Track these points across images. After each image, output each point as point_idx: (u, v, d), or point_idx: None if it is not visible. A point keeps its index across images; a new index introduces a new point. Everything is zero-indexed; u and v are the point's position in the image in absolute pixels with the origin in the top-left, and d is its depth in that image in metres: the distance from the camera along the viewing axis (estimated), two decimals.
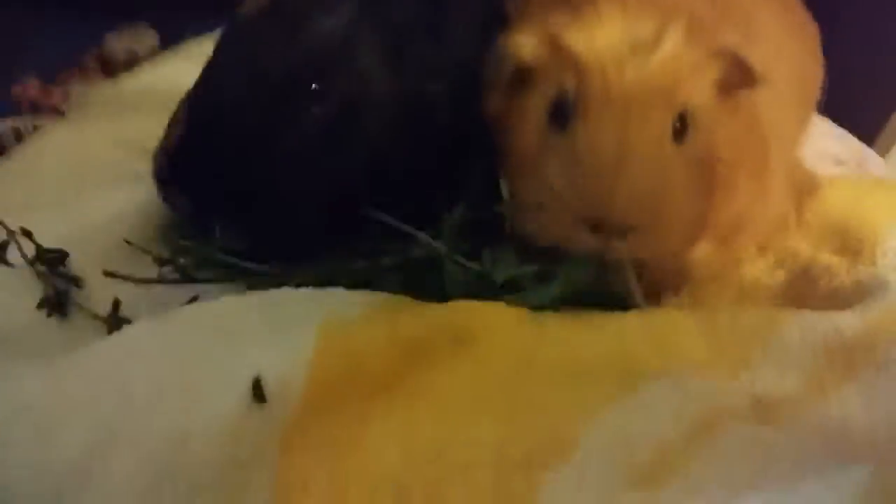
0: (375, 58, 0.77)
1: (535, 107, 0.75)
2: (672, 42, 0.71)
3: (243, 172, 0.74)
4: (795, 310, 0.70)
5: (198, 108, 0.76)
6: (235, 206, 0.75)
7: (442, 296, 0.74)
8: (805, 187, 0.86)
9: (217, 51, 0.79)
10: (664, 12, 0.72)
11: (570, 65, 0.72)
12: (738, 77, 0.74)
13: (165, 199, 0.79)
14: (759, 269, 0.79)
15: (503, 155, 0.78)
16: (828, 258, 0.78)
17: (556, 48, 0.73)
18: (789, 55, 0.91)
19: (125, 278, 0.78)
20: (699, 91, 0.73)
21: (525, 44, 0.75)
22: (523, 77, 0.76)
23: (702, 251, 0.76)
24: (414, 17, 0.79)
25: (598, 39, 0.71)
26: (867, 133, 1.10)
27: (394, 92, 0.77)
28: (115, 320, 0.75)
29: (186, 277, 0.79)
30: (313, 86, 0.75)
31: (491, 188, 0.76)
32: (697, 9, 0.75)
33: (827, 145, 1.03)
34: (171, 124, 0.79)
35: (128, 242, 0.81)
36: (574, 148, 0.70)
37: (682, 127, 0.72)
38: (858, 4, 1.16)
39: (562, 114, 0.72)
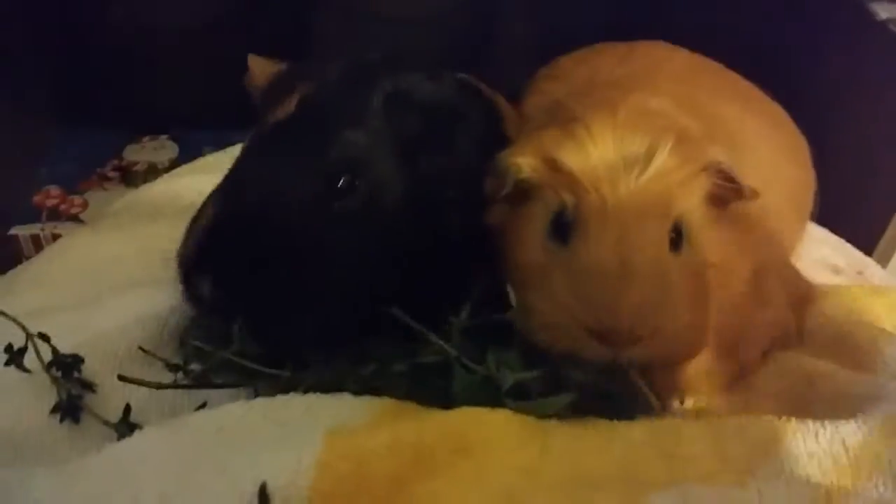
0: (394, 163, 0.82)
1: (536, 221, 0.78)
2: (663, 158, 0.74)
3: (269, 261, 0.77)
4: (800, 420, 0.70)
5: (228, 196, 0.80)
6: (258, 297, 0.77)
7: (448, 400, 0.75)
8: (804, 296, 0.87)
9: (247, 149, 0.84)
10: (654, 130, 0.76)
11: (566, 182, 0.75)
12: (728, 190, 0.77)
13: (188, 290, 0.80)
14: (761, 377, 0.80)
15: (508, 264, 0.80)
16: (829, 367, 0.79)
17: (553, 166, 0.76)
18: (778, 168, 0.95)
19: (138, 383, 0.79)
20: (691, 203, 0.76)
21: (524, 163, 0.78)
22: (523, 192, 0.79)
23: (706, 360, 0.77)
24: (426, 131, 0.84)
25: (592, 157, 0.75)
26: (866, 242, 1.12)
27: (410, 195, 0.82)
28: (125, 427, 0.76)
29: (198, 382, 0.79)
30: (340, 181, 0.79)
31: (498, 294, 0.78)
32: (685, 126, 0.79)
33: (825, 254, 1.05)
34: (198, 216, 0.82)
35: (143, 350, 0.83)
36: (577, 263, 0.73)
37: (677, 237, 0.75)
38: (853, 111, 1.20)
39: (562, 229, 0.75)
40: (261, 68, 0.94)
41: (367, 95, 0.84)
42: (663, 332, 0.71)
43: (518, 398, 0.74)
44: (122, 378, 0.79)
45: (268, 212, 0.78)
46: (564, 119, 0.80)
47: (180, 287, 0.80)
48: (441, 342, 0.77)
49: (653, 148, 0.75)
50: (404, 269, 0.80)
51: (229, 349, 0.77)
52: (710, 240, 0.77)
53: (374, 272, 0.80)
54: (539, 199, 0.78)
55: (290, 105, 0.82)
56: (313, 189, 0.79)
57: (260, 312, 0.77)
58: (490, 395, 0.74)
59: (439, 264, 0.81)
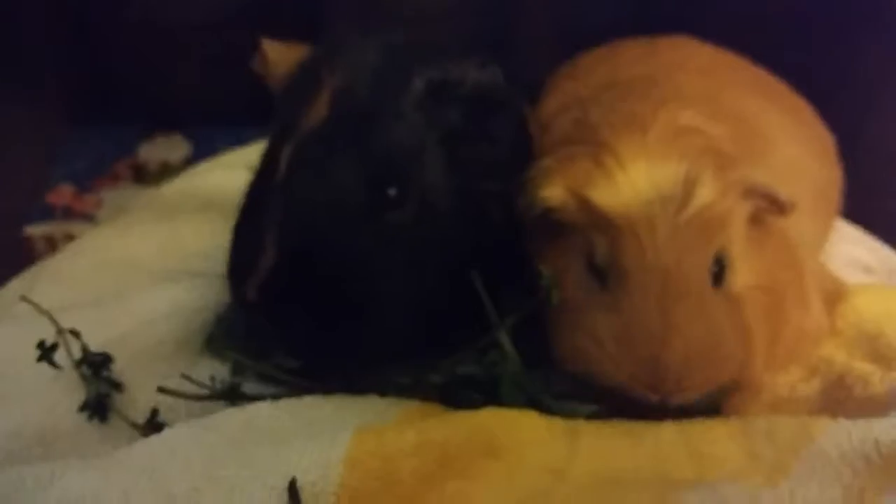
0: (440, 161, 0.78)
1: (570, 254, 0.75)
2: (702, 193, 0.70)
3: (334, 295, 0.74)
4: (831, 419, 0.70)
5: (287, 233, 0.74)
6: (323, 328, 0.74)
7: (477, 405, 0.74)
8: (833, 295, 0.87)
9: (290, 172, 0.77)
10: (689, 153, 0.72)
11: (599, 223, 0.71)
12: (768, 208, 0.75)
13: (249, 320, 0.78)
14: (793, 378, 0.79)
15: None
16: (861, 366, 0.78)
17: (584, 204, 0.73)
18: (807, 167, 0.94)
19: (176, 394, 0.78)
20: (733, 232, 0.73)
21: (552, 197, 0.75)
22: (554, 222, 0.76)
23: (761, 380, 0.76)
24: (465, 122, 0.80)
25: (625, 193, 0.70)
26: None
27: (456, 191, 0.78)
28: (151, 429, 0.75)
29: (233, 394, 0.79)
30: (390, 192, 0.75)
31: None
32: (721, 144, 0.76)
33: (857, 254, 1.04)
34: (248, 247, 0.77)
35: (186, 377, 0.79)
36: (618, 312, 0.70)
37: (719, 270, 0.72)
38: (882, 107, 1.19)
39: (599, 270, 0.72)
40: (279, 54, 0.89)
41: (405, 86, 0.78)
42: (711, 377, 0.70)
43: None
44: (161, 390, 0.78)
45: (323, 245, 0.74)
46: (592, 141, 0.76)
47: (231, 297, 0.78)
48: (513, 349, 0.75)
49: (691, 179, 0.70)
50: (455, 273, 0.76)
51: (269, 362, 0.77)
52: (753, 262, 0.74)
53: (428, 282, 0.76)
54: (571, 237, 0.75)
55: (321, 105, 0.77)
56: (364, 205, 0.74)
57: (318, 339, 0.74)
58: (532, 395, 0.74)
59: (486, 262, 0.77)
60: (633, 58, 1.02)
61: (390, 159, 0.76)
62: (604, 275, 0.72)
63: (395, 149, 0.76)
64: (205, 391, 0.79)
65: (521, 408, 0.73)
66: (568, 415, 0.73)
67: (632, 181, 0.71)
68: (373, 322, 0.75)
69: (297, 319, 0.73)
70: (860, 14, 1.25)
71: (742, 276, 0.73)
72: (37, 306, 0.84)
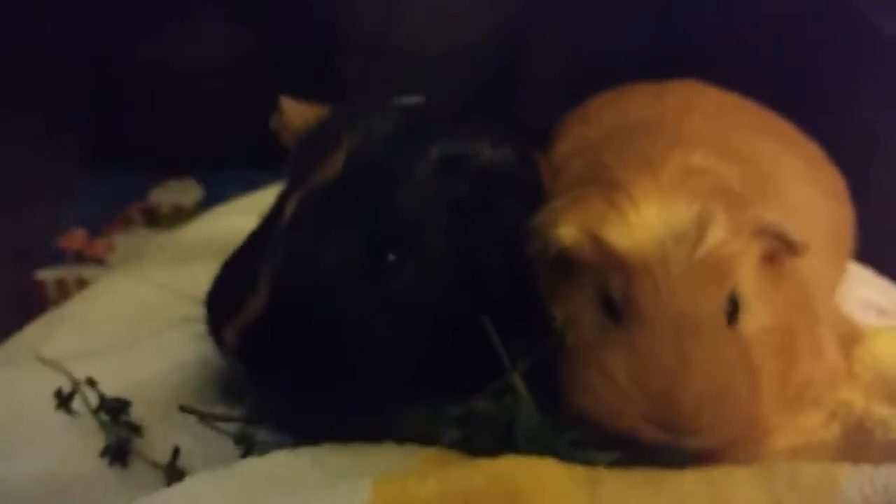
0: (445, 234, 0.78)
1: (583, 294, 0.75)
2: (715, 233, 0.71)
3: (321, 350, 0.73)
4: (854, 465, 0.69)
5: (280, 280, 0.74)
6: (303, 383, 0.74)
7: (500, 448, 0.74)
8: (849, 338, 0.86)
9: (292, 219, 0.78)
10: (701, 193, 0.73)
11: (613, 262, 0.72)
12: (781, 249, 0.75)
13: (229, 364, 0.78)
14: (813, 423, 0.79)
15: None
16: (882, 410, 0.78)
17: (598, 243, 0.73)
18: (819, 208, 0.94)
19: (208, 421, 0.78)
20: (745, 271, 0.73)
21: (566, 235, 0.75)
22: (568, 261, 0.76)
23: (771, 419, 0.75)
24: (472, 196, 0.80)
25: (638, 233, 0.71)
26: None
27: (455, 266, 0.78)
28: (173, 470, 0.75)
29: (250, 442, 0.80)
30: (389, 257, 0.76)
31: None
32: (732, 184, 0.77)
33: (870, 296, 1.04)
34: (236, 286, 0.77)
35: (206, 423, 0.80)
36: (632, 350, 0.70)
37: (733, 309, 0.72)
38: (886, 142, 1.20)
39: (613, 308, 0.72)
40: (297, 112, 0.91)
41: (420, 155, 0.79)
42: (726, 418, 0.69)
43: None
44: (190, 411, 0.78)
45: (314, 299, 0.74)
46: (605, 182, 0.77)
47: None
48: (526, 391, 0.75)
49: (703, 218, 0.71)
50: (449, 343, 0.77)
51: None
52: (767, 303, 0.74)
53: (418, 350, 0.76)
54: (586, 276, 0.75)
55: (336, 162, 0.78)
56: (361, 266, 0.75)
57: (298, 393, 0.74)
58: (548, 441, 0.74)
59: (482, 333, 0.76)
60: (642, 101, 1.03)
61: (394, 224, 0.77)
62: (618, 313, 0.72)
63: (401, 214, 0.77)
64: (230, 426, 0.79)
65: (537, 454, 0.73)
66: (586, 462, 0.72)
67: (645, 221, 0.71)
68: (354, 383, 0.74)
69: (277, 370, 0.73)
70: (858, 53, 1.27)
71: (754, 317, 0.73)
72: (50, 362, 0.84)
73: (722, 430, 0.70)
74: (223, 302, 0.78)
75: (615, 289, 0.72)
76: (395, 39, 1.46)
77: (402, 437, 0.77)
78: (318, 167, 0.79)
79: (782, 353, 0.75)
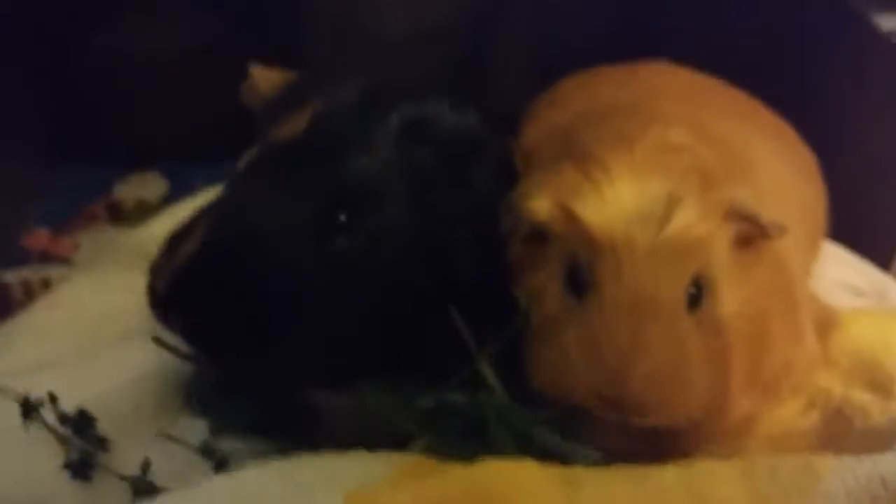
0: (404, 199, 0.77)
1: (551, 269, 0.74)
2: (683, 214, 0.70)
3: (256, 301, 0.71)
4: (834, 456, 0.69)
5: (218, 227, 0.73)
6: (241, 339, 0.72)
7: (475, 441, 0.73)
8: (825, 322, 0.85)
9: (245, 172, 0.76)
10: (675, 171, 0.72)
11: (582, 236, 0.71)
12: (755, 232, 0.74)
13: (160, 320, 0.75)
14: (792, 411, 0.78)
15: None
16: (860, 396, 0.78)
17: (569, 215, 0.72)
18: (793, 188, 0.93)
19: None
20: (713, 254, 0.72)
21: (540, 208, 0.74)
22: (540, 234, 0.76)
23: (746, 406, 0.74)
24: (438, 165, 0.79)
25: (608, 208, 0.70)
26: (880, 259, 1.09)
27: (417, 235, 0.77)
28: (142, 483, 0.73)
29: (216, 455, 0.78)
30: (341, 217, 0.74)
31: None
32: (707, 163, 0.75)
33: (846, 276, 1.03)
34: (178, 237, 0.76)
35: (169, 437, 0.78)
36: (589, 326, 0.69)
37: (697, 292, 0.71)
38: (859, 125, 1.19)
39: (577, 283, 0.72)
40: (266, 78, 0.90)
41: (382, 121, 0.78)
42: (675, 401, 0.69)
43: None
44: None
45: (253, 247, 0.72)
46: (579, 155, 0.76)
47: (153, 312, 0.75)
48: (498, 383, 0.74)
49: (672, 199, 0.70)
50: (409, 318, 0.75)
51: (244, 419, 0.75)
52: (739, 287, 0.73)
53: (371, 320, 0.75)
54: (555, 249, 0.75)
55: (300, 122, 0.77)
56: (309, 222, 0.73)
57: (235, 360, 0.72)
58: (522, 427, 0.73)
59: (448, 311, 0.75)
60: (613, 84, 1.02)
61: (349, 185, 0.75)
62: (582, 289, 0.71)
63: (357, 177, 0.75)
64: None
65: (511, 442, 0.72)
66: (564, 452, 0.72)
67: (618, 196, 0.71)
68: (289, 341, 0.72)
69: (205, 319, 0.71)
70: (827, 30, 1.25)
71: (721, 303, 0.72)
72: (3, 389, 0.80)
73: (672, 411, 0.69)
74: (158, 260, 0.75)
75: (581, 264, 0.72)
76: (360, 26, 1.43)
77: (372, 433, 0.75)
78: (282, 126, 0.77)
79: (755, 337, 0.73)
